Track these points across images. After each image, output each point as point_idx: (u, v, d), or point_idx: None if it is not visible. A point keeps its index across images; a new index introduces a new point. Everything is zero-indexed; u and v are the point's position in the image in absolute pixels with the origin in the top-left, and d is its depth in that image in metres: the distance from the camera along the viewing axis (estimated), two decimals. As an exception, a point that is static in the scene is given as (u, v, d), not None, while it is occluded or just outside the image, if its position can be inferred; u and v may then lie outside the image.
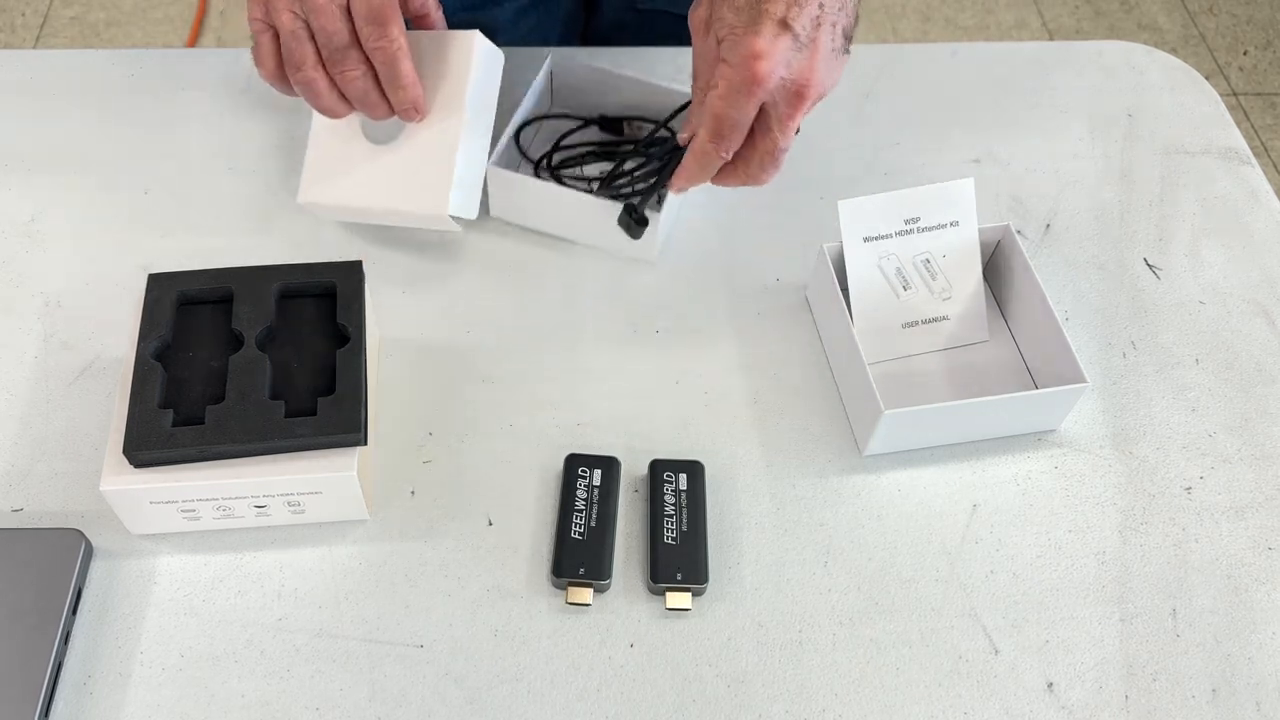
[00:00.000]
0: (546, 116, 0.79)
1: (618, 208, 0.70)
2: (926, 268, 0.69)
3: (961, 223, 0.68)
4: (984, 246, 0.71)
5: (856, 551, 0.62)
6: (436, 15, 0.67)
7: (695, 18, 0.61)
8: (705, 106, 0.58)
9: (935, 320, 0.70)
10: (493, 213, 0.76)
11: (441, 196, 0.67)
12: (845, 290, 0.68)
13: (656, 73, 0.78)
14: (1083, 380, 0.63)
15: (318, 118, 0.71)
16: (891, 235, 0.68)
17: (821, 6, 0.57)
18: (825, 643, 0.59)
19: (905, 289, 0.69)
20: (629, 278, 0.73)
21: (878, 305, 0.69)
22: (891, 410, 0.61)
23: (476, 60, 0.68)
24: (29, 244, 0.73)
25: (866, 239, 0.68)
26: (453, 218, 0.68)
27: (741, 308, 0.72)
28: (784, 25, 0.56)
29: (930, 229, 0.68)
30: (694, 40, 0.61)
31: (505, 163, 0.74)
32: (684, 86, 0.76)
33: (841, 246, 0.67)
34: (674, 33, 0.78)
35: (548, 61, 0.79)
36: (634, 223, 0.69)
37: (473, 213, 0.70)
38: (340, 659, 0.57)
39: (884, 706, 0.57)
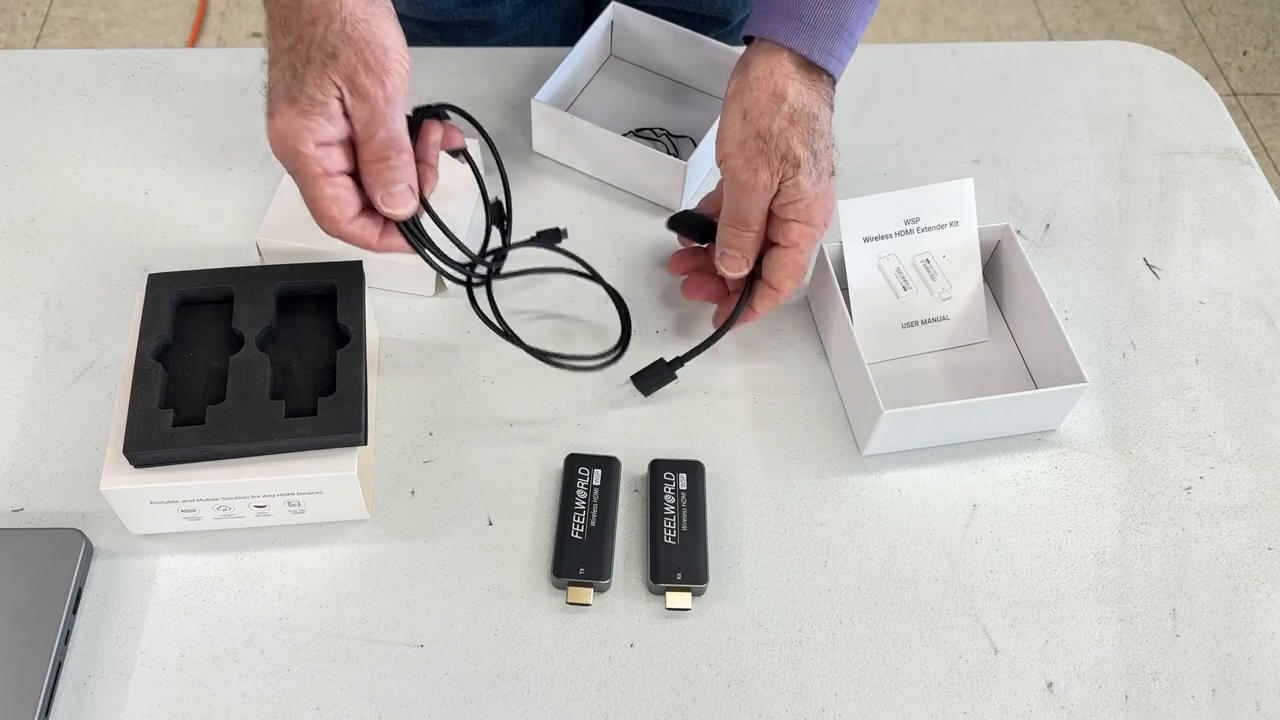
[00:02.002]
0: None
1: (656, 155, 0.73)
2: (926, 268, 0.69)
3: (961, 223, 0.68)
4: (984, 246, 0.71)
5: (856, 551, 0.62)
6: (434, 175, 0.63)
7: (746, 177, 0.63)
8: (787, 265, 0.64)
9: (935, 320, 0.70)
10: (534, 148, 0.79)
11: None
12: (845, 290, 0.68)
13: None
14: (1082, 380, 0.63)
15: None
16: (891, 235, 0.68)
17: (828, 140, 0.64)
18: (825, 642, 0.59)
19: (905, 289, 0.69)
20: (632, 278, 0.73)
21: (878, 305, 0.69)
22: (891, 410, 0.61)
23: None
24: (29, 244, 0.73)
25: (866, 239, 0.68)
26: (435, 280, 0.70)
27: (741, 308, 0.72)
28: (833, 172, 0.64)
29: (930, 229, 0.68)
30: (743, 197, 0.63)
31: (554, 100, 0.77)
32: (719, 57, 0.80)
33: (841, 247, 0.67)
34: None
35: (609, 9, 0.82)
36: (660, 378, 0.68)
37: (445, 284, 0.71)
38: (340, 659, 0.57)
39: (884, 706, 0.57)
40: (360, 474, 0.58)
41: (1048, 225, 0.78)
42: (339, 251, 0.68)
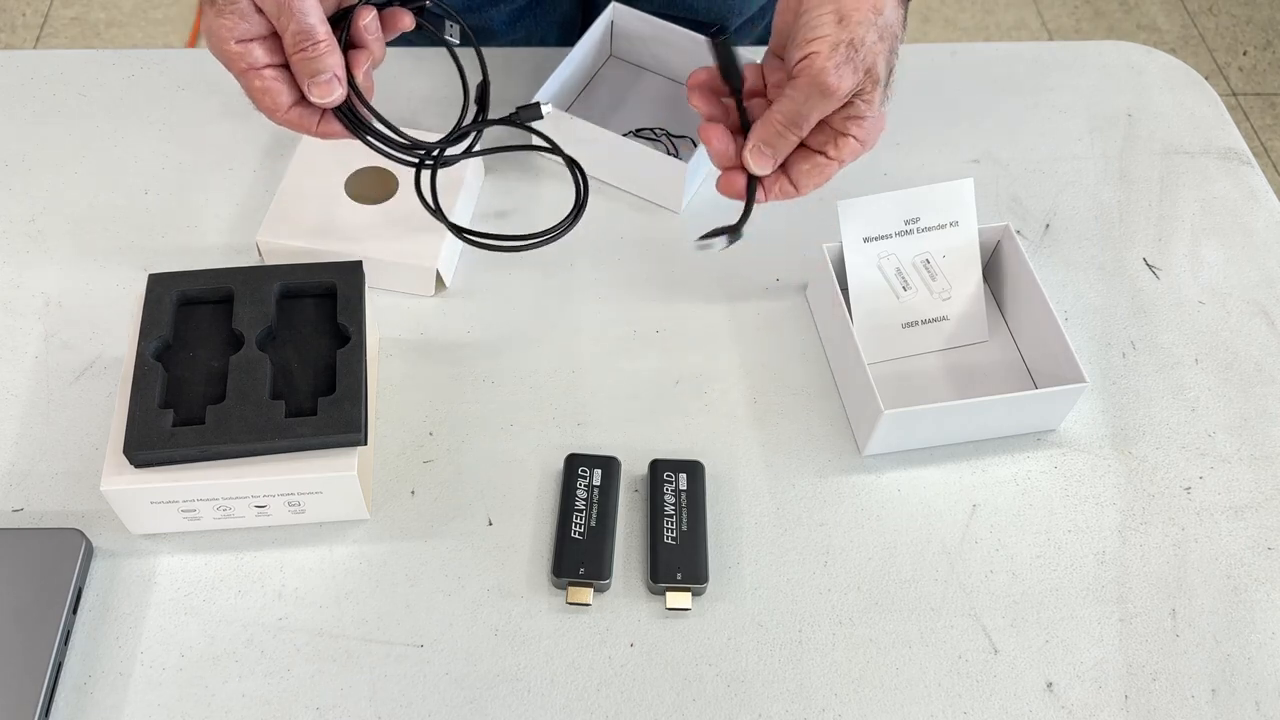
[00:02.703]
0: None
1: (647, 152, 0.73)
2: (926, 268, 0.69)
3: (961, 223, 0.68)
4: (984, 246, 0.71)
5: (856, 551, 0.62)
6: (378, 50, 0.64)
7: (833, 80, 0.61)
8: (826, 174, 0.63)
9: (935, 320, 0.70)
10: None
11: (432, 250, 0.69)
12: (845, 290, 0.68)
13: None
14: (1082, 380, 0.63)
15: (294, 166, 0.73)
16: (891, 235, 0.68)
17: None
18: (825, 642, 0.59)
19: (905, 289, 0.69)
20: (632, 278, 0.73)
21: (878, 305, 0.69)
22: (891, 410, 0.61)
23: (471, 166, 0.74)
24: (29, 244, 0.73)
25: (866, 239, 0.68)
26: (437, 278, 0.70)
27: (741, 308, 0.72)
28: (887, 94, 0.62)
29: (930, 229, 0.68)
30: (816, 97, 0.61)
31: (557, 100, 0.78)
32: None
33: (841, 246, 0.67)
34: None
35: (609, 10, 0.81)
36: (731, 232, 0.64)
37: (449, 278, 0.72)
38: (340, 659, 0.57)
39: (884, 706, 0.57)
40: (360, 474, 0.58)
41: (1048, 225, 0.78)
42: (339, 251, 0.69)
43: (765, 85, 0.65)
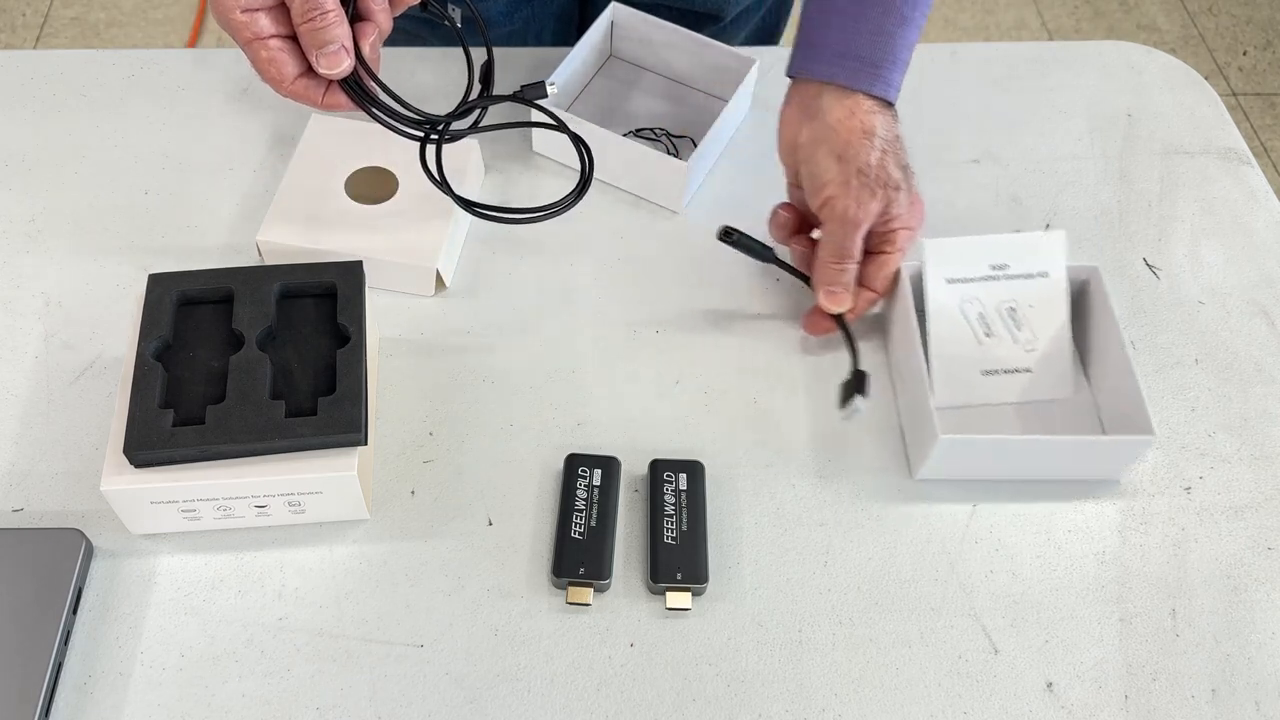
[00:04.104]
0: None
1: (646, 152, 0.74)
2: (1012, 317, 0.67)
3: (1051, 273, 0.67)
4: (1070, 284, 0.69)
5: (856, 551, 0.62)
6: (384, 22, 0.64)
7: (856, 211, 0.66)
8: (891, 266, 0.67)
9: (1017, 371, 0.67)
10: (534, 149, 0.79)
11: (432, 250, 0.69)
12: (921, 314, 0.67)
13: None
14: (1150, 432, 0.61)
15: (294, 166, 0.73)
16: (976, 279, 0.66)
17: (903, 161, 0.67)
18: (825, 643, 0.59)
19: (987, 335, 0.67)
20: (632, 278, 0.73)
21: (957, 349, 0.67)
22: (948, 435, 0.60)
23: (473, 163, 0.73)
24: (29, 244, 0.73)
25: (950, 280, 0.66)
26: (436, 277, 0.70)
27: (742, 308, 0.72)
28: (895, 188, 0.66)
29: (1018, 277, 0.67)
30: (849, 231, 0.66)
31: (557, 100, 0.78)
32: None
33: (920, 268, 0.67)
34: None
35: (609, 9, 0.81)
36: (853, 391, 0.66)
37: (449, 278, 0.71)
38: (340, 659, 0.57)
39: (884, 706, 0.57)
40: (360, 474, 0.58)
41: (1048, 225, 0.78)
42: (339, 251, 0.69)
43: (802, 217, 0.70)
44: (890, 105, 0.67)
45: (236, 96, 0.82)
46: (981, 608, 0.60)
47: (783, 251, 0.72)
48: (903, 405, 0.67)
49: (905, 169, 0.66)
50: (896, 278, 0.68)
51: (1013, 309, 0.67)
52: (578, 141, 0.67)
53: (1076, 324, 0.70)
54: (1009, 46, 0.90)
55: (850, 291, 0.67)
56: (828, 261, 0.67)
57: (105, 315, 0.69)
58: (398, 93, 0.63)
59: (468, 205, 0.66)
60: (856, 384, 0.65)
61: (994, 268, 0.67)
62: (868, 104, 0.66)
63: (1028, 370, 0.67)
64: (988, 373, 0.67)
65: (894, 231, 0.66)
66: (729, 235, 0.70)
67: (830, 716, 0.56)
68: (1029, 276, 0.67)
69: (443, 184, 0.66)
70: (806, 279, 0.71)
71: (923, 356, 0.64)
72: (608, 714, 0.56)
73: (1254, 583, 0.62)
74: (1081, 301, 0.70)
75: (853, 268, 0.67)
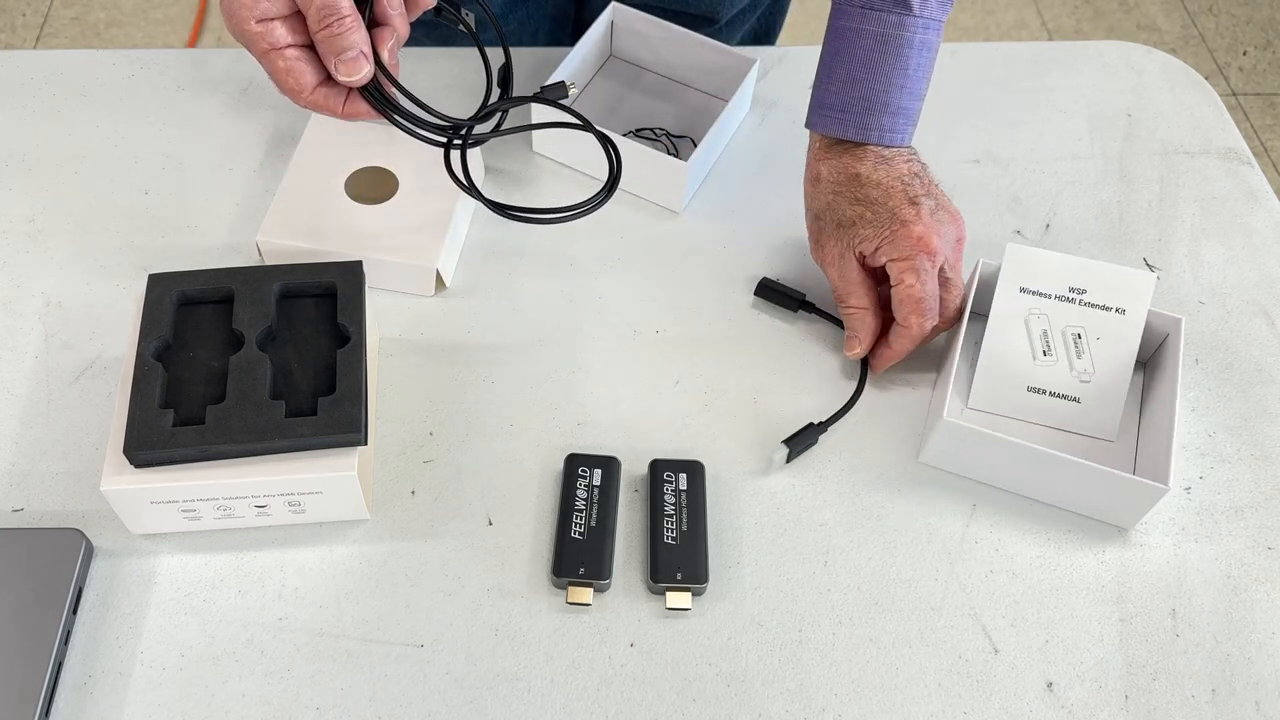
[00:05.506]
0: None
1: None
2: (1075, 343, 0.65)
3: (1129, 313, 0.65)
4: (1149, 330, 0.66)
5: (856, 551, 0.62)
6: (401, 27, 0.63)
7: (819, 256, 0.69)
8: (902, 300, 0.64)
9: (1064, 398, 0.66)
10: (534, 149, 0.80)
11: (432, 250, 0.69)
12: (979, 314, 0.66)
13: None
14: (1164, 484, 0.59)
15: (294, 166, 0.72)
16: (1050, 296, 0.65)
17: (918, 172, 0.68)
18: (825, 642, 0.59)
19: (1045, 354, 0.65)
20: (632, 278, 0.73)
21: (1008, 358, 0.66)
22: (952, 419, 0.60)
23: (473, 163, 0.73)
24: (29, 244, 0.73)
25: (1023, 290, 0.66)
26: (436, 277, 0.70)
27: (741, 307, 0.72)
28: (913, 202, 0.65)
29: (1094, 306, 0.65)
30: (828, 274, 0.68)
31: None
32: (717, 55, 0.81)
33: (996, 270, 0.66)
34: None
35: (609, 9, 0.81)
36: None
37: (449, 278, 0.71)
38: (340, 659, 0.57)
39: (884, 706, 0.57)
40: (360, 474, 0.58)
41: (1048, 225, 0.78)
42: (339, 251, 0.69)
43: (873, 291, 0.68)
44: (858, 145, 0.68)
45: (236, 96, 0.82)
46: (981, 608, 0.60)
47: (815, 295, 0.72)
48: (935, 392, 0.68)
49: (870, 202, 0.65)
50: (914, 310, 0.64)
51: (1079, 335, 0.65)
52: (605, 141, 0.67)
53: (1144, 372, 0.67)
54: (1009, 46, 0.90)
55: (862, 341, 0.67)
56: (915, 321, 0.65)
57: (105, 315, 0.69)
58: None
59: (498, 208, 0.66)
60: (803, 436, 0.65)
61: (1072, 290, 0.65)
62: (817, 147, 0.69)
63: (1075, 400, 0.65)
64: (1033, 390, 0.66)
65: (887, 264, 0.65)
66: (765, 290, 0.71)
67: (830, 716, 0.56)
68: (1106, 309, 0.65)
69: (471, 188, 0.66)
70: (839, 322, 0.70)
71: (959, 349, 0.64)
72: (608, 714, 0.56)
73: (1254, 583, 0.62)
74: (1155, 349, 0.68)
75: (853, 313, 0.67)
